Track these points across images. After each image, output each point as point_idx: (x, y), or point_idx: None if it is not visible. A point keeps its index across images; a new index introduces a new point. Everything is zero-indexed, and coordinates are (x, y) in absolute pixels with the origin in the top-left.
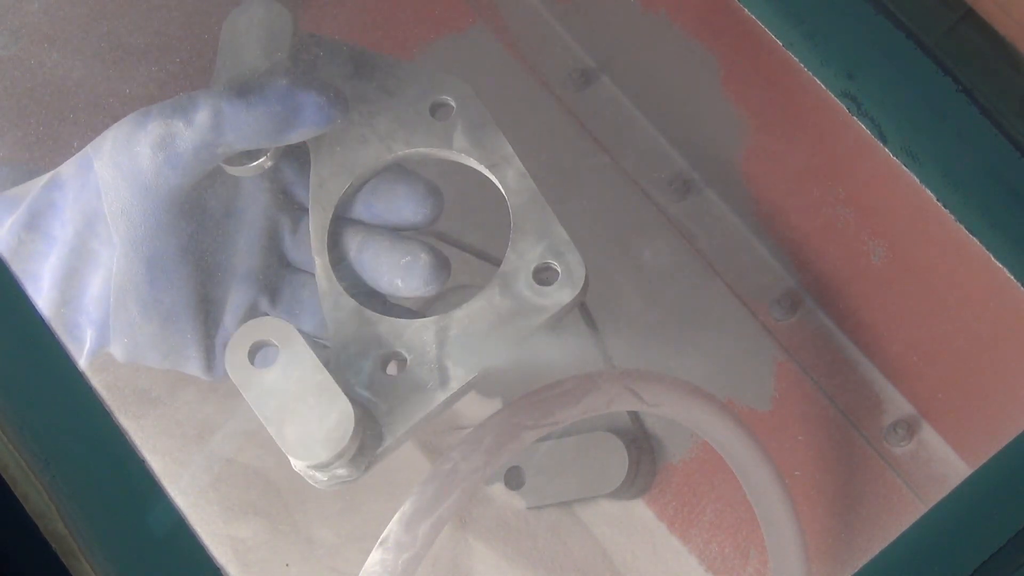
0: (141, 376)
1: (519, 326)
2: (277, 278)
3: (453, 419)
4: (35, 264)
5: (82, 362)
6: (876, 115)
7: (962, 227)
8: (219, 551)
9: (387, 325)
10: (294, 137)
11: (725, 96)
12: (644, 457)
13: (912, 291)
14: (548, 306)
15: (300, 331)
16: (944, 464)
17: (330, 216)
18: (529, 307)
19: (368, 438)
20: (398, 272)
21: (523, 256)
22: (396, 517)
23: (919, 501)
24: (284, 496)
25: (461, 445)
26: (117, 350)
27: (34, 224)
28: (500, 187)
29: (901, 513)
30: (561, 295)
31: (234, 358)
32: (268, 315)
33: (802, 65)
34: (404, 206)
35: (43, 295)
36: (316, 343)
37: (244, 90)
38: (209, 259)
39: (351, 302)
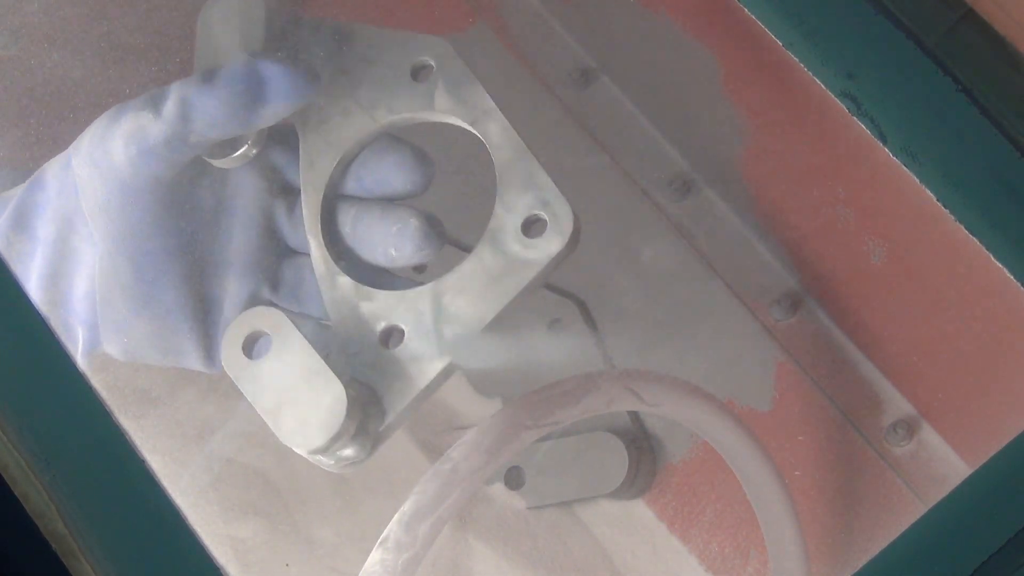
0: (141, 376)
1: (510, 283)
2: (277, 265)
3: (453, 419)
4: (23, 265)
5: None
6: (876, 115)
7: (962, 227)
8: (219, 551)
9: (384, 299)
10: (267, 118)
11: (725, 96)
12: (644, 457)
13: (912, 291)
14: (538, 259)
15: (296, 315)
16: (944, 464)
17: (321, 195)
18: (519, 262)
19: (370, 416)
20: (390, 241)
21: (510, 210)
22: (396, 517)
23: (919, 501)
24: (284, 496)
25: (461, 445)
26: (112, 348)
27: (21, 225)
28: (484, 142)
29: (901, 513)
30: (550, 246)
31: (229, 353)
32: (270, 304)
33: (802, 65)
34: (393, 177)
35: (31, 296)
36: (317, 325)
37: (208, 76)
38: (202, 252)
39: (347, 281)
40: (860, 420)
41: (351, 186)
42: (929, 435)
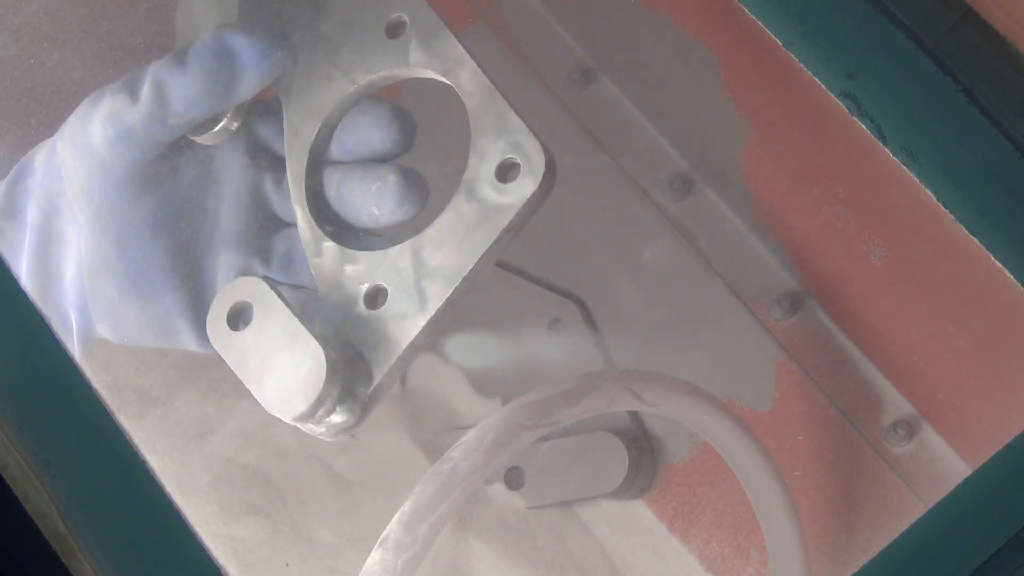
0: (141, 376)
1: (486, 230)
2: (268, 238)
3: (453, 419)
4: (15, 252)
5: (74, 348)
6: (876, 115)
7: (962, 227)
8: (219, 551)
9: (366, 260)
10: (243, 92)
11: (725, 96)
12: (644, 457)
13: (912, 291)
14: (513, 203)
15: (280, 283)
16: (944, 464)
17: (305, 163)
18: (495, 208)
19: (357, 379)
20: (371, 200)
21: (484, 157)
22: (396, 517)
23: (919, 501)
24: (284, 496)
25: (461, 445)
26: (105, 331)
27: (10, 213)
28: (457, 91)
29: (901, 513)
30: (523, 188)
31: (214, 326)
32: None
33: (802, 65)
34: (372, 136)
35: (23, 282)
36: (303, 292)
37: (180, 55)
38: (189, 230)
39: (332, 245)
40: (860, 420)
41: (335, 151)
42: (929, 435)
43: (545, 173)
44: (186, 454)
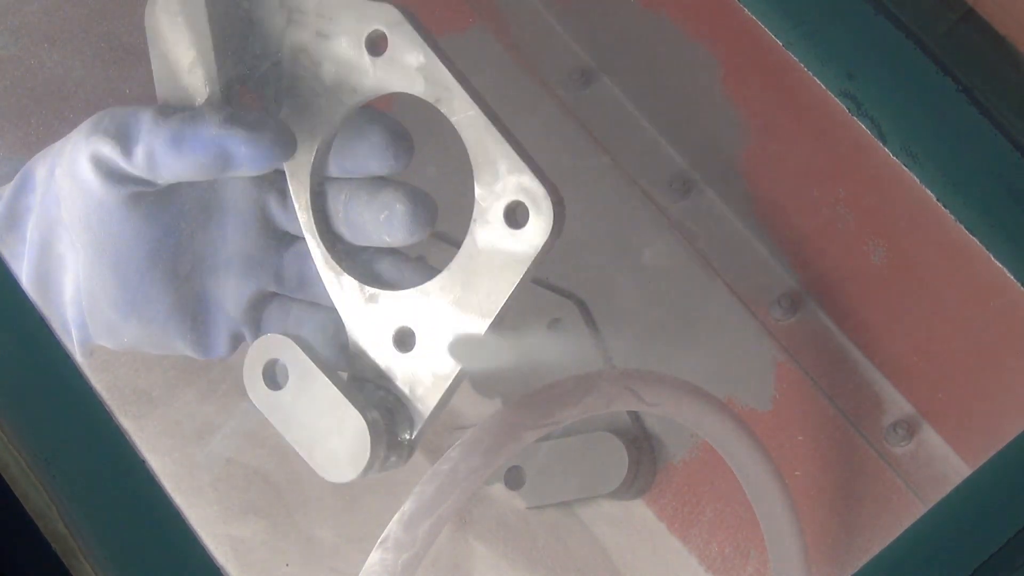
0: (141, 376)
1: (507, 278)
2: (279, 257)
3: (453, 419)
4: (15, 265)
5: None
6: (876, 115)
7: (962, 227)
8: (219, 551)
9: (389, 300)
10: (234, 176)
11: (725, 96)
12: (644, 457)
13: (912, 291)
14: (528, 251)
15: (306, 342)
16: (944, 464)
17: (308, 187)
18: (509, 257)
19: (399, 427)
20: (382, 228)
21: (489, 196)
22: (396, 517)
23: (919, 501)
24: (284, 496)
25: (461, 445)
26: (104, 344)
27: (12, 225)
28: (450, 121)
29: (901, 513)
30: (535, 237)
31: (252, 385)
32: (279, 297)
33: (802, 65)
34: (369, 162)
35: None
36: (330, 344)
37: (178, 137)
38: (193, 254)
39: (352, 281)
40: (860, 420)
41: (334, 169)
42: (929, 435)
43: (555, 217)
44: (186, 454)
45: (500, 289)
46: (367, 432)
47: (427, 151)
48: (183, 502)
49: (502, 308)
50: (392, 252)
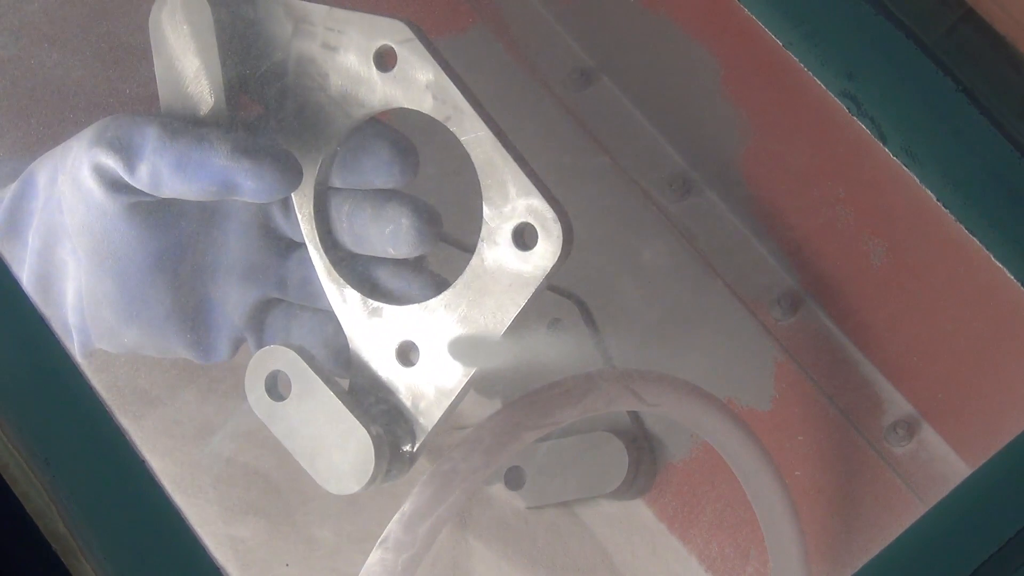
0: (141, 376)
1: (514, 297)
2: (282, 263)
3: (453, 419)
4: (17, 269)
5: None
6: (876, 115)
7: (962, 227)
8: (219, 551)
9: (393, 314)
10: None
11: (725, 96)
12: (644, 457)
13: (912, 291)
14: (536, 273)
15: (309, 354)
16: (944, 464)
17: (312, 200)
18: (517, 276)
19: (401, 439)
20: (387, 241)
21: (497, 216)
22: (396, 517)
23: (919, 501)
24: (284, 496)
25: (461, 445)
26: (105, 347)
27: (14, 229)
28: (460, 141)
29: (901, 513)
30: (544, 259)
31: (254, 396)
32: (282, 303)
33: (802, 65)
34: (373, 176)
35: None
36: (331, 356)
37: (184, 162)
38: (195, 261)
39: (355, 294)
40: (860, 420)
41: (337, 181)
42: (929, 435)
43: (564, 241)
44: (186, 454)
45: (507, 309)
46: (371, 446)
47: (426, 151)
48: (183, 502)
49: (508, 328)
50: (396, 262)
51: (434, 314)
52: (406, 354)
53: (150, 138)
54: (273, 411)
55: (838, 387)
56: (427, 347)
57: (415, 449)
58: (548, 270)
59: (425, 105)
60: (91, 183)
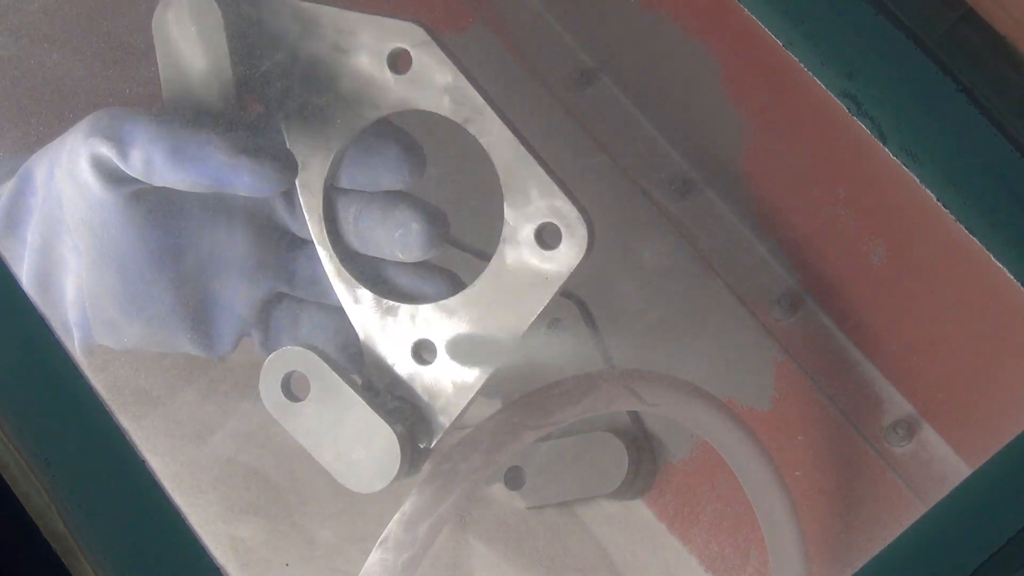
0: (141, 376)
1: (537, 297)
2: (289, 258)
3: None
4: (15, 267)
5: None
6: (876, 115)
7: (962, 227)
8: (219, 551)
9: (407, 313)
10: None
11: (725, 96)
12: (644, 457)
13: (912, 291)
14: (560, 271)
15: (328, 356)
16: (944, 464)
17: (320, 199)
18: (540, 277)
19: (419, 436)
20: (395, 244)
21: (519, 217)
22: (396, 517)
23: (919, 501)
24: (284, 496)
25: (461, 445)
26: (107, 343)
27: (11, 226)
28: (480, 143)
29: (901, 513)
30: (568, 259)
31: (269, 396)
32: (288, 297)
33: (802, 65)
34: (381, 176)
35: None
36: (348, 356)
37: (178, 151)
38: (198, 255)
39: (368, 294)
40: (860, 420)
41: (346, 181)
42: (929, 435)
43: (588, 240)
44: (186, 454)
45: (529, 308)
46: (397, 444)
47: (427, 151)
48: (183, 502)
49: (530, 326)
50: (407, 263)
51: (452, 312)
52: (423, 352)
53: (143, 125)
54: (290, 411)
55: (838, 387)
56: (444, 345)
57: (432, 446)
58: (573, 268)
59: (443, 107)
60: (88, 175)
